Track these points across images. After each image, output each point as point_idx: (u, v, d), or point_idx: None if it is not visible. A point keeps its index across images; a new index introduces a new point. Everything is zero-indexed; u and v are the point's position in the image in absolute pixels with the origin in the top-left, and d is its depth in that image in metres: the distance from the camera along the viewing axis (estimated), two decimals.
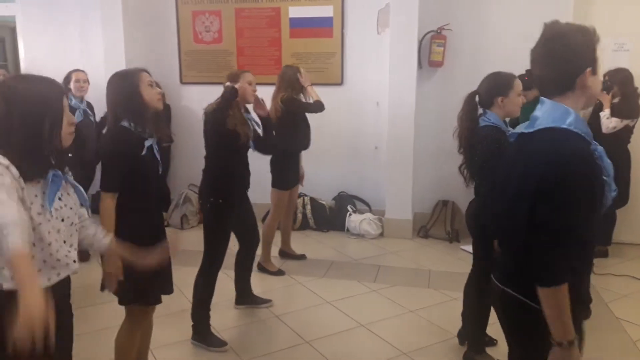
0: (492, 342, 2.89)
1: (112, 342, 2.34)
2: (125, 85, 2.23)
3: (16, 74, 1.79)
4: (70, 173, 1.71)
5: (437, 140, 4.89)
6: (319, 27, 5.30)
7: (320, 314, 3.47)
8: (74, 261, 1.67)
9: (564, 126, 1.42)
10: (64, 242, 1.62)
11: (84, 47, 5.64)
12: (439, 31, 4.87)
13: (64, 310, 1.72)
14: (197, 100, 5.19)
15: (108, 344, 2.38)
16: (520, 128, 1.58)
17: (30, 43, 5.83)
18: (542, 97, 1.53)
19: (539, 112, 1.51)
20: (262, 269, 4.11)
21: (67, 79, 4.49)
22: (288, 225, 4.43)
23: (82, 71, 4.59)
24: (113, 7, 5.20)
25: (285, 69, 4.08)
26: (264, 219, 4.38)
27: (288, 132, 3.87)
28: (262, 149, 3.32)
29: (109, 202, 2.18)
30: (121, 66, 5.18)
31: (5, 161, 1.46)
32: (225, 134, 2.96)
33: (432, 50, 4.90)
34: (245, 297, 3.50)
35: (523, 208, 1.44)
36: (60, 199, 1.61)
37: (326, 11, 5.26)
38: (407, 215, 5.00)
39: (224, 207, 3.01)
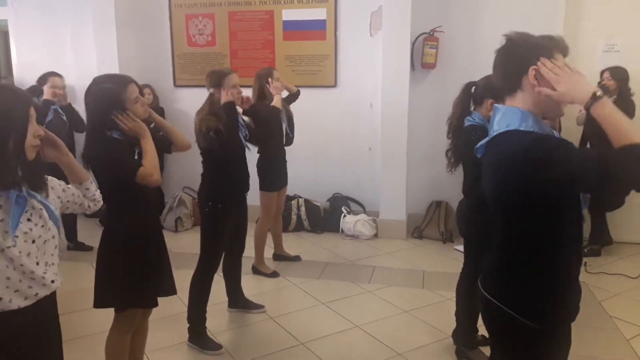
0: (487, 341, 2.91)
1: (102, 349, 2.33)
2: (111, 99, 2.15)
3: None
4: (40, 190, 1.59)
5: (430, 141, 4.90)
6: (312, 29, 5.31)
7: (315, 316, 3.47)
8: (52, 281, 1.60)
9: (519, 128, 1.44)
10: (37, 263, 1.56)
11: (77, 51, 5.64)
12: (431, 33, 4.90)
13: (51, 327, 1.68)
14: (190, 103, 5.17)
15: (98, 350, 2.37)
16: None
17: (23, 47, 5.82)
18: (495, 105, 1.58)
19: (493, 120, 1.55)
20: (256, 271, 4.12)
21: (43, 80, 4.36)
22: (278, 227, 4.41)
23: (60, 76, 4.46)
24: (105, 11, 5.20)
25: (257, 76, 3.97)
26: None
27: (263, 136, 3.82)
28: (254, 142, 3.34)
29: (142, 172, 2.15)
30: (114, 70, 5.25)
31: None
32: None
33: (424, 52, 4.93)
34: (237, 301, 3.49)
35: (500, 217, 1.54)
36: (29, 219, 1.53)
37: (319, 14, 5.28)
38: (401, 216, 5.02)
39: (223, 211, 3.01)
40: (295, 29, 5.35)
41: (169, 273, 2.43)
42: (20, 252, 1.50)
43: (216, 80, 3.04)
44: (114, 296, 2.24)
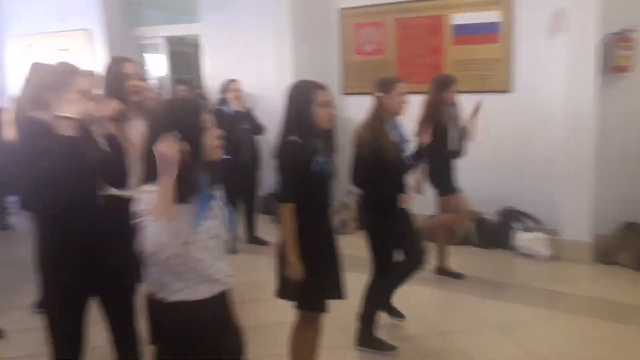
0: None
1: (276, 338, 2.42)
2: (299, 101, 2.26)
3: (165, 101, 1.91)
4: (217, 194, 1.72)
5: (623, 153, 4.31)
6: (483, 33, 5.05)
7: (486, 338, 3.23)
8: (226, 277, 1.71)
9: None
10: (216, 258, 1.67)
11: (257, 62, 6.07)
12: (624, 33, 4.32)
13: (225, 320, 1.77)
14: (357, 110, 5.26)
15: (272, 339, 2.46)
16: None
17: (212, 59, 6.46)
18: None
19: None
20: (441, 272, 4.10)
21: (225, 88, 4.83)
22: (447, 239, 4.25)
23: (236, 81, 4.96)
24: (283, 24, 5.50)
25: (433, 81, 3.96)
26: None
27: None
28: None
29: (286, 213, 2.23)
30: (289, 78, 5.54)
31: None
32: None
33: (616, 54, 4.36)
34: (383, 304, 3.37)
35: None
36: (209, 218, 1.65)
37: (491, 17, 4.99)
38: (586, 237, 4.46)
39: (387, 223, 2.93)
40: (466, 33, 5.13)
41: (340, 276, 2.44)
42: (204, 246, 1.62)
43: (384, 85, 3.00)
44: (293, 292, 2.31)
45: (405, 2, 5.31)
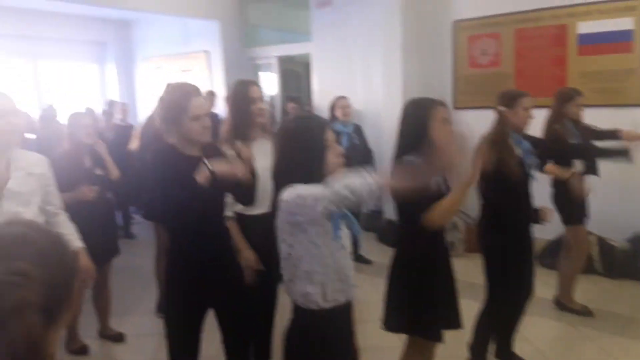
0: None
1: None
2: (416, 119, 2.13)
3: (293, 116, 1.95)
4: None
5: None
6: (614, 41, 4.60)
7: None
8: (354, 286, 1.73)
9: None
10: (349, 267, 1.71)
11: (365, 78, 6.08)
12: None
13: (348, 331, 1.78)
14: (470, 125, 5.05)
15: None
16: None
17: (321, 76, 6.58)
18: None
19: None
20: (561, 306, 3.71)
21: (333, 106, 4.86)
22: (575, 269, 3.80)
23: (345, 98, 5.00)
24: (393, 38, 5.46)
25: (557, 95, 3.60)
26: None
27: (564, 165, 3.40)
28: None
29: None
30: (398, 94, 5.48)
31: None
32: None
33: None
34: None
35: None
36: (341, 228, 1.67)
37: (623, 24, 4.54)
38: None
39: (511, 248, 2.71)
40: (593, 43, 4.72)
41: (456, 303, 2.30)
42: (341, 255, 1.66)
43: (508, 99, 2.79)
44: (402, 320, 2.21)
45: (526, 11, 5.01)
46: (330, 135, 1.67)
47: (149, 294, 3.98)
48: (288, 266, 1.69)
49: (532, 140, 2.93)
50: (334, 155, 1.66)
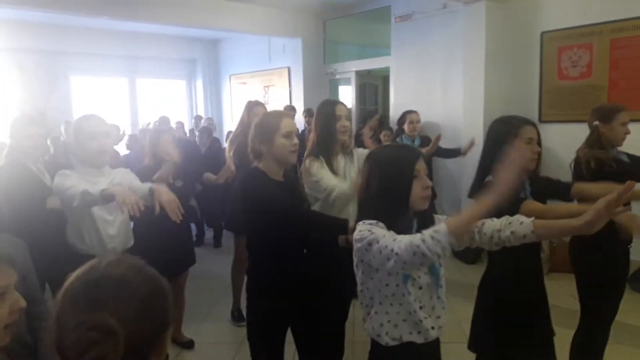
0: None
1: None
2: (501, 138, 2.04)
3: (384, 146, 1.94)
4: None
5: None
6: None
7: None
8: (432, 327, 1.63)
9: None
10: (420, 307, 1.61)
11: (445, 90, 5.97)
12: None
13: None
14: (557, 139, 4.79)
15: None
16: None
17: (399, 89, 6.55)
18: None
19: None
20: None
21: (402, 119, 4.81)
22: None
23: (415, 112, 5.04)
24: (476, 49, 5.32)
25: None
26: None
27: None
28: None
29: None
30: (478, 107, 5.33)
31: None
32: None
33: None
34: None
35: None
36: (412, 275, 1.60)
37: None
38: None
39: (611, 267, 2.52)
40: None
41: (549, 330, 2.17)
42: (415, 297, 1.60)
43: (604, 114, 2.62)
44: (488, 344, 2.12)
45: (621, 20, 4.69)
46: (421, 166, 1.62)
47: (226, 302, 4.10)
48: (363, 298, 1.68)
49: (632, 157, 2.73)
50: (421, 187, 1.60)
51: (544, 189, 2.15)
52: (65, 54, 7.94)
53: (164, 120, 6.71)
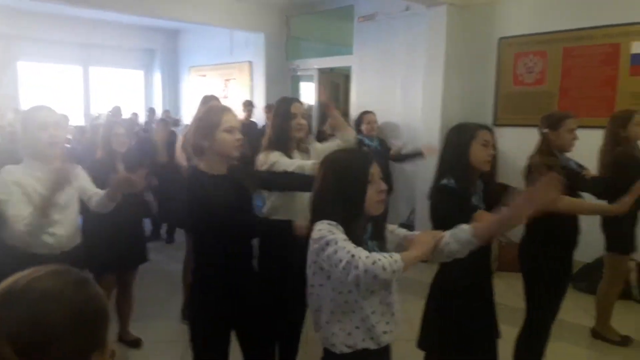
0: None
1: None
2: (457, 141, 2.12)
3: (338, 150, 1.93)
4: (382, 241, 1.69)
5: None
6: None
7: None
8: (384, 332, 1.63)
9: None
10: (373, 312, 1.60)
11: (405, 92, 6.04)
12: None
13: None
14: (510, 142, 4.91)
15: None
16: None
17: (360, 89, 6.58)
18: None
19: None
20: (598, 335, 3.52)
21: (359, 120, 4.82)
22: (612, 297, 3.58)
23: (372, 113, 4.94)
24: (436, 54, 5.39)
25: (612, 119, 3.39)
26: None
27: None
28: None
29: None
30: (437, 109, 5.41)
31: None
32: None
33: None
34: None
35: None
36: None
37: None
38: None
39: (559, 269, 2.62)
40: None
41: (494, 331, 2.22)
42: (369, 302, 1.60)
43: (553, 122, 2.71)
44: (435, 342, 2.15)
45: (576, 29, 4.86)
46: (375, 170, 1.61)
47: (176, 300, 4.01)
48: (312, 302, 1.65)
49: (580, 166, 2.84)
50: (375, 192, 1.60)
51: (497, 196, 2.20)
52: (15, 38, 7.59)
53: (117, 111, 6.49)
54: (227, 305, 2.05)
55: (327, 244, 1.46)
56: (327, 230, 1.49)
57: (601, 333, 3.50)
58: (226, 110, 2.09)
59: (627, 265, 3.47)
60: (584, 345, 3.48)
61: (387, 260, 1.40)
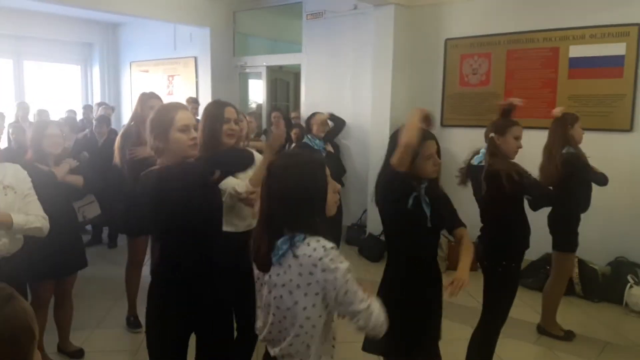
0: None
1: None
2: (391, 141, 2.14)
3: (284, 153, 1.87)
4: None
5: None
6: (605, 66, 4.62)
7: None
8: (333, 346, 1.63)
9: None
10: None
11: (354, 92, 6.05)
12: None
13: None
14: (457, 142, 5.02)
15: None
16: None
17: (310, 87, 6.53)
18: None
19: None
20: (543, 331, 3.64)
21: (309, 120, 4.76)
22: (558, 294, 3.72)
23: (322, 113, 4.85)
24: (384, 55, 5.43)
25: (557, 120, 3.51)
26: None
27: (569, 192, 3.34)
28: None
29: None
30: (386, 109, 5.45)
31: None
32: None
33: None
34: None
35: None
36: None
37: (617, 49, 4.56)
38: None
39: (515, 270, 2.69)
40: (584, 67, 4.73)
41: (438, 329, 2.25)
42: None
43: (500, 127, 2.77)
44: (379, 345, 2.13)
45: (518, 32, 5.02)
46: (328, 171, 1.56)
47: (120, 306, 3.82)
48: (277, 322, 1.53)
49: None
50: (332, 192, 1.55)
51: (442, 212, 2.20)
52: None
53: (43, 114, 6.03)
54: (189, 307, 1.95)
55: (347, 282, 1.45)
56: (339, 262, 1.44)
57: (546, 329, 3.63)
58: (179, 108, 1.98)
59: (573, 262, 3.60)
60: (530, 341, 3.60)
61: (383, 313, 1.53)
